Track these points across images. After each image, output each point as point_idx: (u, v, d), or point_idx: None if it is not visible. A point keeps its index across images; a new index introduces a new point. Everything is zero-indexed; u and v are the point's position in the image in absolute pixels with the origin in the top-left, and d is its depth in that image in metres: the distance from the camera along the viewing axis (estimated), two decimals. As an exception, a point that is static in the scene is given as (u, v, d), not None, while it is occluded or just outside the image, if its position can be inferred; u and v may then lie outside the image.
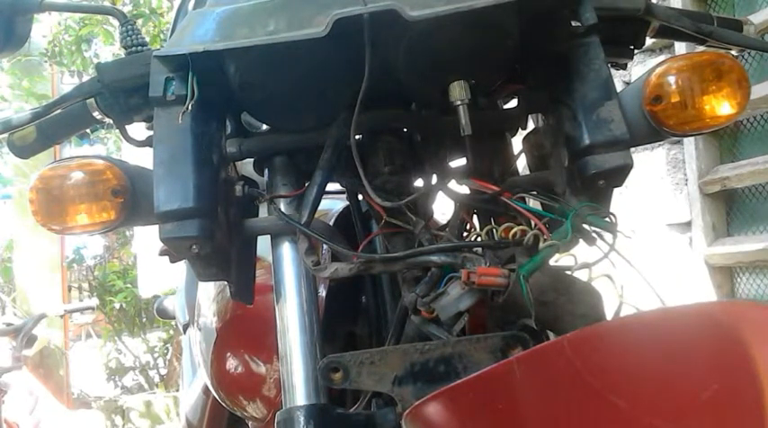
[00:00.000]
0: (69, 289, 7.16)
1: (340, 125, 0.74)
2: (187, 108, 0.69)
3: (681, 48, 2.02)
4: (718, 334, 0.36)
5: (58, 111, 0.87)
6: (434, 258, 0.70)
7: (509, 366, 0.47)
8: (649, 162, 2.24)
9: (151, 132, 0.82)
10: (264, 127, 0.81)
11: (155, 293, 4.32)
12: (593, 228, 0.69)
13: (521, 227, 0.70)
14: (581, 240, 0.70)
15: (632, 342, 0.41)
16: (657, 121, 0.75)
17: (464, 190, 0.78)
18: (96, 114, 0.84)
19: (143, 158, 0.83)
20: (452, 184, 0.77)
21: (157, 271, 4.23)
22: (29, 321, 3.39)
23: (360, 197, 0.87)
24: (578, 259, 0.70)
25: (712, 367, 0.35)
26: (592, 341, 0.43)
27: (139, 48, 0.90)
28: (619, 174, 0.70)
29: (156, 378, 6.60)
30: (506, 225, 0.71)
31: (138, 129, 0.87)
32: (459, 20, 0.64)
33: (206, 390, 1.35)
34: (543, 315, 0.66)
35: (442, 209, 0.85)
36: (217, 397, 1.20)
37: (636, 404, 0.38)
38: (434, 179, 0.78)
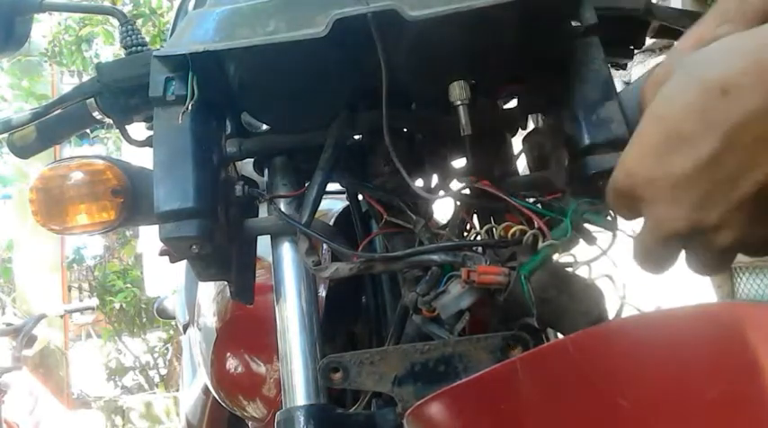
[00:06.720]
0: (69, 289, 7.16)
1: (340, 125, 0.74)
2: (187, 108, 0.69)
3: (681, 47, 2.02)
4: (721, 334, 0.36)
5: (58, 111, 0.87)
6: (435, 257, 0.70)
7: (512, 366, 0.47)
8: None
9: (151, 132, 0.82)
10: (264, 127, 0.81)
11: (161, 293, 4.32)
12: (594, 227, 0.69)
13: (521, 225, 0.70)
14: (581, 240, 0.70)
15: (636, 342, 0.41)
16: None
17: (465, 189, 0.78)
18: (96, 114, 0.84)
19: (143, 158, 0.83)
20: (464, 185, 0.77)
21: (164, 270, 4.22)
22: (29, 321, 3.39)
23: (360, 197, 0.87)
24: (579, 259, 0.70)
25: (716, 368, 0.35)
26: (595, 341, 0.43)
27: (139, 48, 0.90)
28: None
29: (156, 378, 6.60)
30: (506, 223, 0.71)
31: (138, 129, 0.87)
32: (459, 20, 0.64)
33: (206, 390, 1.35)
34: (545, 312, 0.66)
35: (442, 209, 0.85)
36: (217, 397, 1.20)
37: (640, 405, 0.38)
38: (435, 179, 0.78)
